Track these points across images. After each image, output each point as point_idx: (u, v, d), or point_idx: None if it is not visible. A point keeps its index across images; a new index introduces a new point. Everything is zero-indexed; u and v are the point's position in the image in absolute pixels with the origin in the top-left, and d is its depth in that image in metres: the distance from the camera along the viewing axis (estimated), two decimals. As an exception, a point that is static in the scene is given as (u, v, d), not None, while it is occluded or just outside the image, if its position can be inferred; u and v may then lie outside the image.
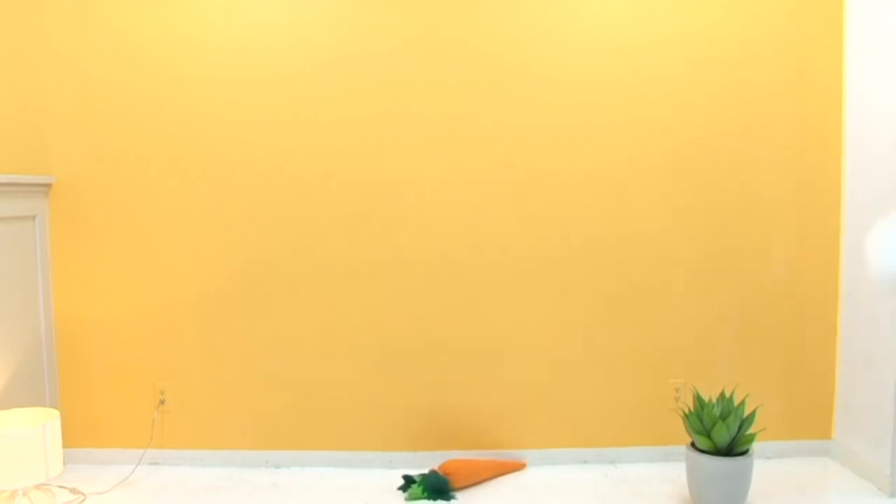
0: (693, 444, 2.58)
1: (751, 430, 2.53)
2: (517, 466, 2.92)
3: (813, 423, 3.06)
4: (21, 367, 2.79)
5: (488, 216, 2.96)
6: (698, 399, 2.61)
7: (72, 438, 2.88)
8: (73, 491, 2.73)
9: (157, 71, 2.93)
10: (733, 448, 2.51)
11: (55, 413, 2.47)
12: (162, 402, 3.01)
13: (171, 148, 2.95)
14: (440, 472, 2.75)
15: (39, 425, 2.32)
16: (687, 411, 2.60)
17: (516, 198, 2.96)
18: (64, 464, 2.47)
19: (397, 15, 2.91)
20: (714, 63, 2.94)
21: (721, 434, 2.47)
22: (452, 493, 2.69)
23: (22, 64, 2.87)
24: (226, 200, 2.96)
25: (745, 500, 2.57)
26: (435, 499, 2.66)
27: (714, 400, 2.61)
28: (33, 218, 2.90)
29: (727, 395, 2.61)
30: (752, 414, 2.53)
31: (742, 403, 2.54)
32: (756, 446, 2.58)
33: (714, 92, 2.95)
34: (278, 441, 3.02)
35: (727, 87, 2.95)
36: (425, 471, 2.80)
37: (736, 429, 2.50)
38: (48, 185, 2.94)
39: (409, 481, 2.74)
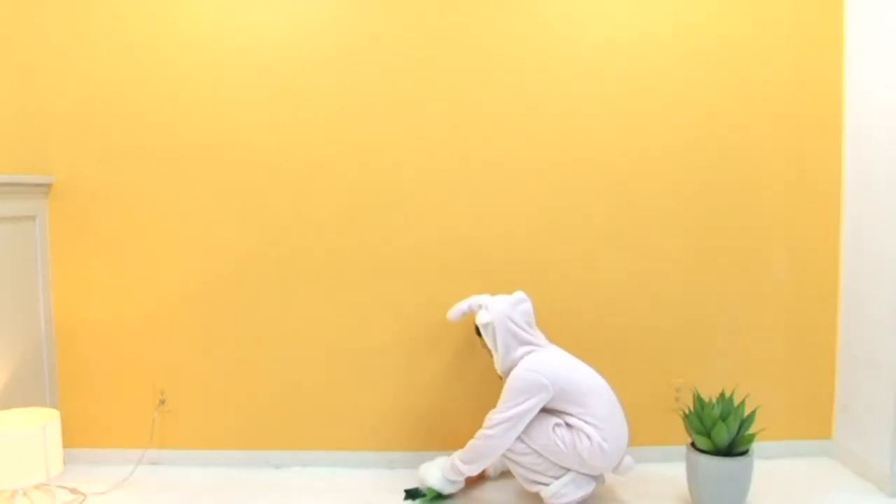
0: (693, 444, 2.58)
1: (751, 430, 2.53)
2: None
3: (813, 423, 3.06)
4: (21, 367, 2.79)
5: (488, 216, 2.96)
6: (698, 399, 2.61)
7: (72, 438, 2.88)
8: (73, 491, 2.73)
9: (158, 71, 2.93)
10: (733, 448, 2.51)
11: (55, 413, 2.47)
12: (162, 402, 3.01)
13: (171, 148, 2.95)
14: None
15: (39, 425, 2.32)
16: (687, 411, 2.60)
17: (516, 198, 2.96)
18: (64, 464, 2.47)
19: (398, 14, 2.91)
20: (714, 62, 2.94)
21: (721, 434, 2.47)
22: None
23: (22, 64, 2.87)
24: (226, 200, 2.96)
25: (745, 500, 2.57)
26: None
27: (714, 400, 2.61)
28: (33, 218, 2.90)
29: (727, 395, 2.61)
30: (752, 414, 2.53)
31: (742, 403, 2.54)
32: (756, 446, 2.58)
33: (714, 91, 2.95)
34: (278, 441, 3.02)
35: (727, 86, 2.95)
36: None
37: (736, 429, 2.50)
38: (48, 185, 2.94)
39: (414, 494, 2.71)
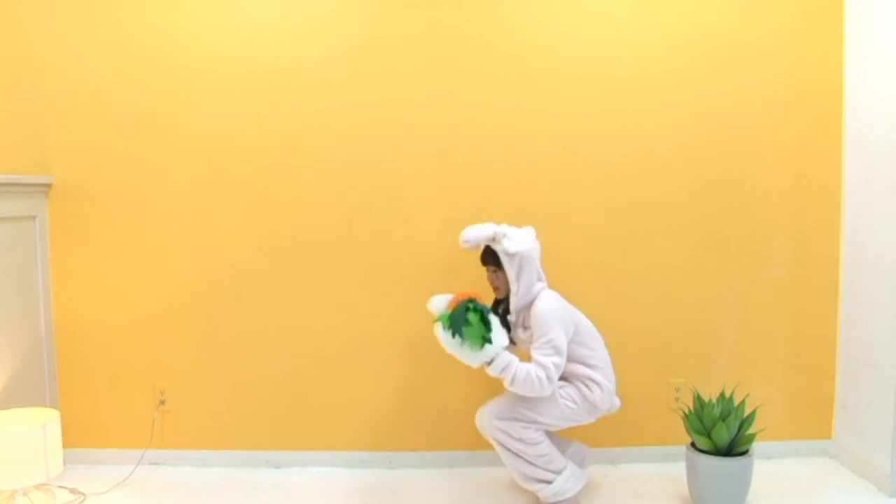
0: (693, 444, 2.58)
1: (751, 430, 2.53)
2: None
3: (813, 423, 3.06)
4: (21, 367, 2.79)
5: (489, 215, 2.95)
6: (698, 399, 2.61)
7: (72, 438, 2.88)
8: (73, 491, 2.73)
9: (157, 71, 2.92)
10: (733, 448, 2.51)
11: (55, 413, 2.47)
12: (162, 402, 3.01)
13: (170, 148, 2.95)
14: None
15: (39, 425, 2.32)
16: (687, 411, 2.60)
17: (516, 197, 2.96)
18: (64, 464, 2.47)
19: (398, 13, 2.91)
20: (715, 62, 2.94)
21: (721, 434, 2.48)
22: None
23: (22, 64, 2.87)
24: (226, 200, 2.96)
25: (745, 500, 2.57)
26: (485, 334, 2.37)
27: (714, 400, 2.61)
28: (33, 218, 2.90)
29: (727, 395, 2.62)
30: (752, 414, 2.53)
31: (742, 403, 2.55)
32: (756, 446, 2.58)
33: (714, 91, 2.95)
34: (278, 441, 3.03)
35: (727, 86, 2.95)
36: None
37: (736, 429, 2.50)
38: (48, 185, 2.94)
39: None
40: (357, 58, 2.91)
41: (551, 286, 2.61)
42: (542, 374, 2.35)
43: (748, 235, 3.01)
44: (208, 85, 2.92)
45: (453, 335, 2.36)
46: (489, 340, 2.35)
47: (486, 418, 2.50)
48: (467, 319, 2.35)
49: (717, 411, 2.54)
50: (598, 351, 2.52)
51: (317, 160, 2.95)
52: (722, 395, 2.62)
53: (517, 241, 2.48)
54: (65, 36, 2.91)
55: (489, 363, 2.37)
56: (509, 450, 2.49)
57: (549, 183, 2.96)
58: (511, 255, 2.48)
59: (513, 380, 2.35)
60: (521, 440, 2.46)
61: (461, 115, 2.94)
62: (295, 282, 2.98)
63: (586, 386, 2.47)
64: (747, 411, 2.56)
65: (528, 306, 2.52)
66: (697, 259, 3.00)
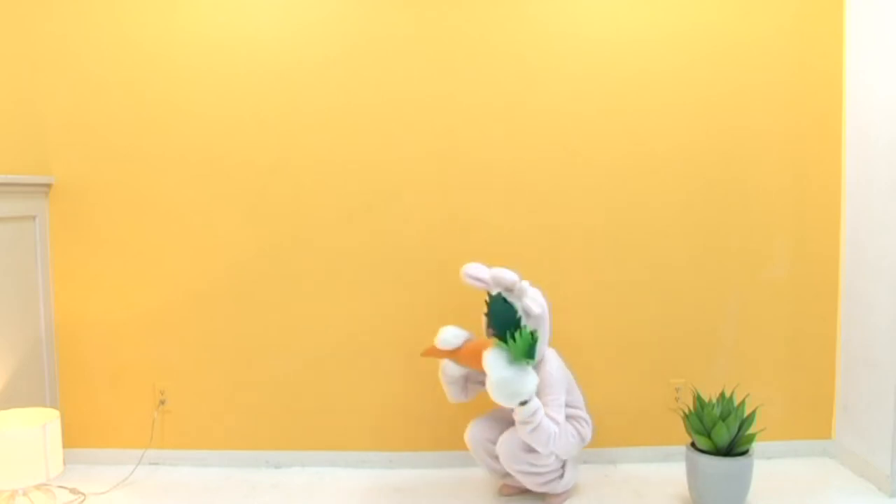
0: (693, 444, 2.58)
1: (751, 430, 2.53)
2: None
3: (813, 423, 3.06)
4: (21, 367, 2.79)
5: (489, 216, 2.96)
6: (698, 399, 2.61)
7: (72, 438, 2.88)
8: (73, 491, 2.73)
9: (157, 71, 2.93)
10: (733, 448, 2.51)
11: (55, 413, 2.47)
12: (162, 402, 3.01)
13: (171, 148, 2.95)
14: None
15: (39, 425, 2.32)
16: (687, 411, 2.60)
17: (516, 197, 2.96)
18: (64, 464, 2.47)
19: (398, 13, 2.91)
20: (715, 62, 2.94)
21: (721, 434, 2.48)
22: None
23: (22, 64, 2.87)
24: (226, 200, 2.96)
25: (745, 500, 2.57)
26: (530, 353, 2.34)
27: (714, 400, 2.61)
28: (33, 218, 2.90)
29: (727, 395, 2.62)
30: (752, 414, 2.53)
31: (742, 403, 2.55)
32: (756, 446, 2.58)
33: (714, 91, 2.95)
34: (278, 441, 3.03)
35: (727, 86, 2.95)
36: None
37: (736, 429, 2.50)
38: (48, 185, 2.94)
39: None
40: (357, 58, 2.92)
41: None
42: (556, 430, 2.42)
43: (748, 235, 3.01)
44: (208, 85, 2.93)
45: (507, 324, 2.36)
46: (535, 343, 2.32)
47: (509, 459, 2.50)
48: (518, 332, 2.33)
49: (717, 411, 2.54)
50: (578, 394, 2.64)
51: (317, 160, 2.95)
52: (722, 395, 2.62)
53: (538, 301, 2.52)
54: (65, 36, 2.91)
55: (523, 404, 2.35)
56: (525, 473, 2.52)
57: (549, 183, 2.96)
58: (535, 318, 2.50)
59: (536, 427, 2.37)
60: (538, 468, 2.51)
61: (461, 115, 2.94)
62: (295, 282, 2.98)
63: (581, 425, 2.58)
64: (747, 411, 2.56)
65: (536, 367, 2.53)
66: (697, 259, 3.00)
